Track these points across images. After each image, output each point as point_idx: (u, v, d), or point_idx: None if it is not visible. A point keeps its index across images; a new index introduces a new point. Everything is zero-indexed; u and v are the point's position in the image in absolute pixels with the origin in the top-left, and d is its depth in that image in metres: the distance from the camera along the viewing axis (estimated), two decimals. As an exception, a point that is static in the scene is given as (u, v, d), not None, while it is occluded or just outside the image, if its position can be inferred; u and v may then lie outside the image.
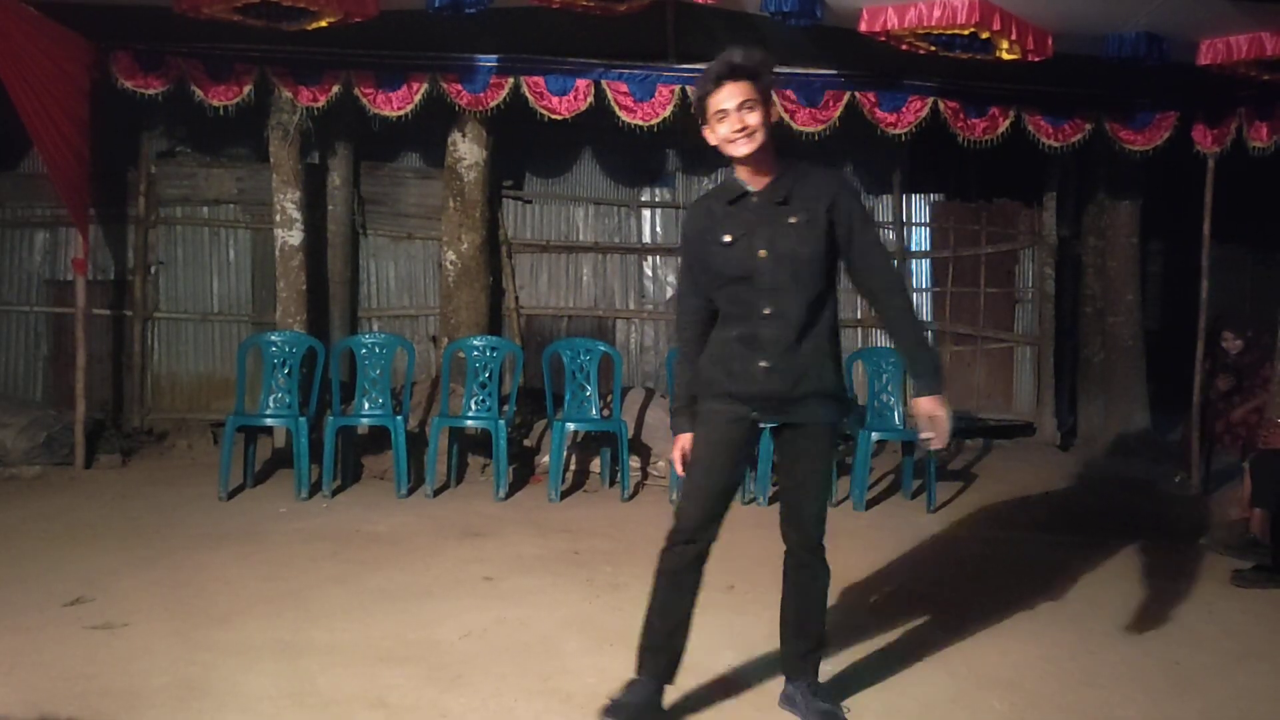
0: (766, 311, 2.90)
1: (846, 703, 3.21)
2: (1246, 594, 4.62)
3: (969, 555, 5.13)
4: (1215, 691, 3.46)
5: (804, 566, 3.10)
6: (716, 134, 2.90)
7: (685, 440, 3.09)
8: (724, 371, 2.97)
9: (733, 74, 2.85)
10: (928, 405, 2.91)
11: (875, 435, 6.37)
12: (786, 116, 6.68)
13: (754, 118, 2.84)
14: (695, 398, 3.06)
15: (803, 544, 3.08)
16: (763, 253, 2.89)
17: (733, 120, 2.84)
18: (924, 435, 2.92)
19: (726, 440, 2.99)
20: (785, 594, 3.15)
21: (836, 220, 2.92)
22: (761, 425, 3.03)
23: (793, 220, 2.90)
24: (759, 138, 2.84)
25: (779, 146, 2.93)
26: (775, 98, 3.03)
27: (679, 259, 3.10)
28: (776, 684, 3.23)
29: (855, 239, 2.95)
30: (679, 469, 3.09)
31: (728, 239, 2.93)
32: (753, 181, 2.95)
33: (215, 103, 6.51)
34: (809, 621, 3.11)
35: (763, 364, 2.91)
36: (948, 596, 4.44)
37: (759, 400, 2.95)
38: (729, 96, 2.84)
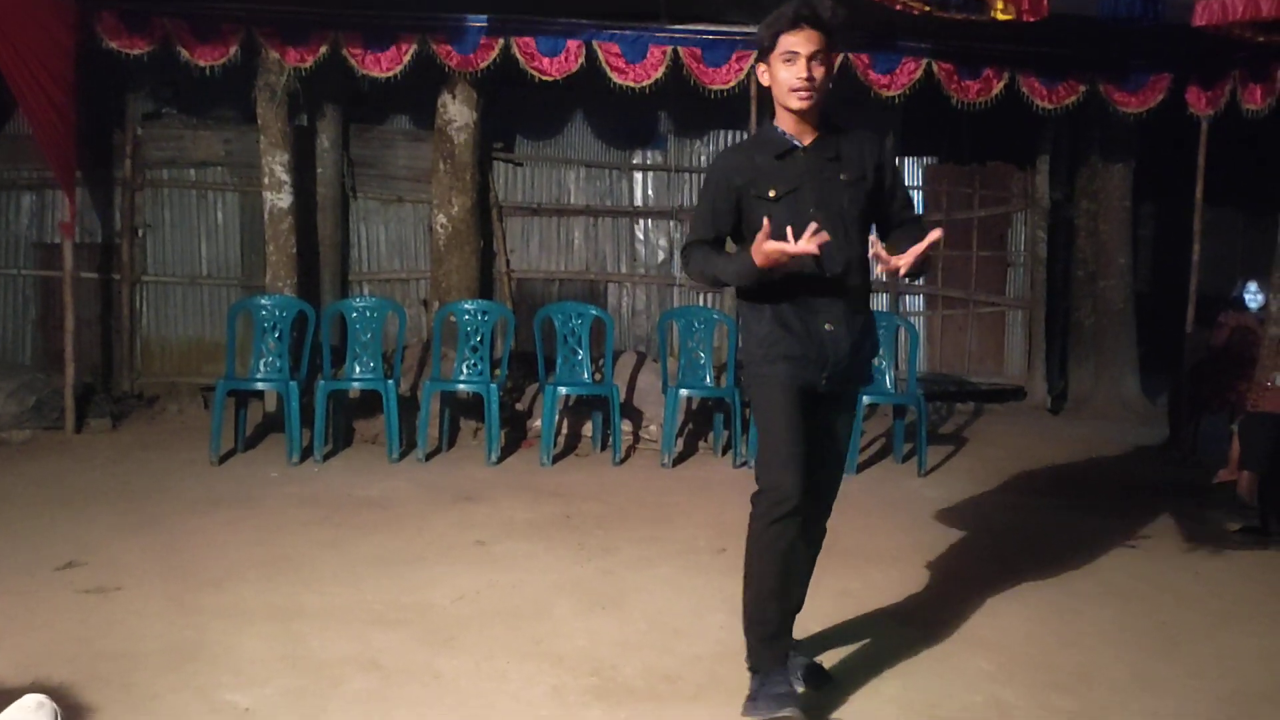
0: (824, 275, 2.77)
1: (832, 664, 3.24)
2: (1234, 556, 4.66)
3: (959, 518, 5.16)
4: (1201, 651, 3.50)
5: (814, 541, 3.01)
6: (777, 77, 2.73)
7: (766, 242, 2.64)
8: (786, 331, 2.80)
9: (815, 21, 2.69)
10: (932, 231, 2.69)
11: (867, 399, 6.38)
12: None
13: (821, 72, 2.71)
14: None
15: (822, 514, 2.99)
16: (813, 210, 2.73)
17: (800, 67, 2.69)
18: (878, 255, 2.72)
19: (798, 404, 2.80)
20: None
21: (884, 179, 2.86)
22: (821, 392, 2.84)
23: (844, 177, 2.79)
24: (818, 96, 2.73)
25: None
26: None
27: (698, 209, 2.95)
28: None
29: (898, 192, 2.93)
30: (781, 252, 2.61)
31: (773, 194, 2.77)
32: (800, 135, 2.80)
33: (201, 63, 6.42)
34: (802, 585, 3.07)
35: (827, 326, 2.79)
36: (936, 559, 4.47)
37: (830, 364, 2.81)
38: (805, 42, 2.68)
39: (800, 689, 2.91)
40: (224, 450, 6.08)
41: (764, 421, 2.84)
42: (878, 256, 2.71)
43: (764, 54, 2.77)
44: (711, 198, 2.88)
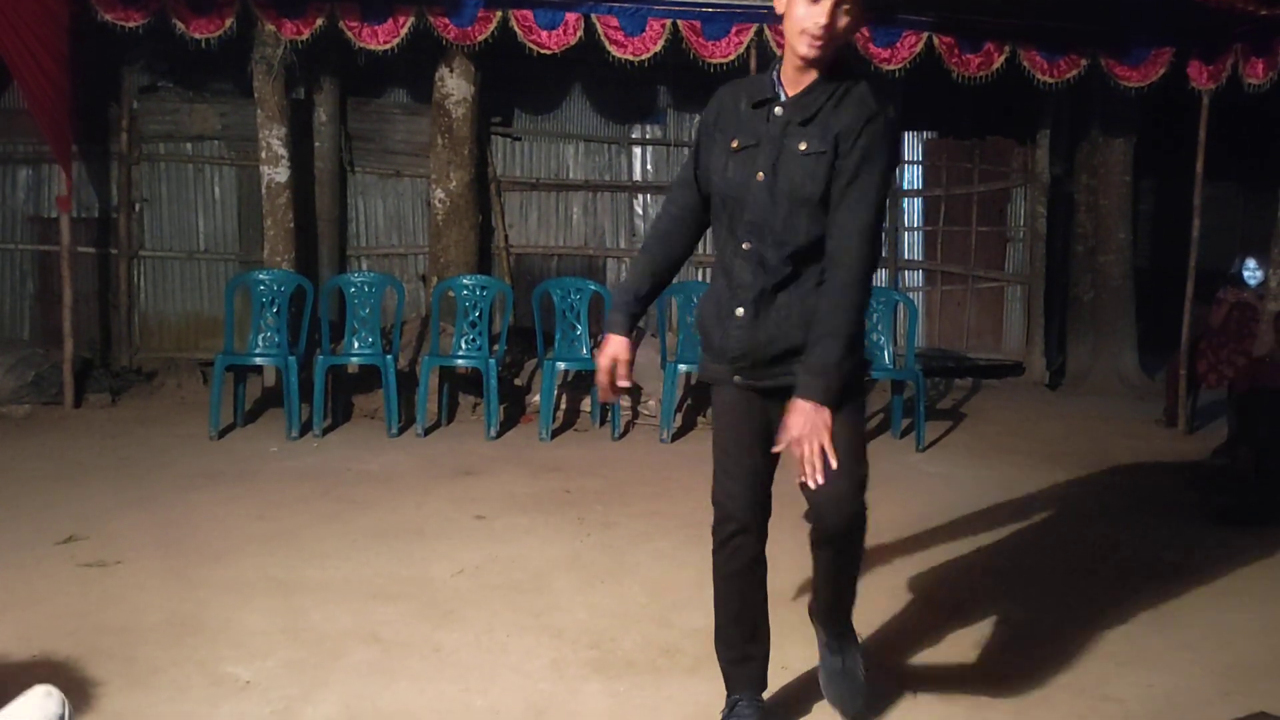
0: (745, 248, 2.40)
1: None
2: (1228, 531, 4.68)
3: (957, 493, 5.18)
4: (1195, 625, 3.52)
5: (830, 564, 2.59)
6: (793, 13, 2.29)
7: (613, 346, 2.51)
8: (703, 319, 2.54)
9: None
10: (799, 412, 2.25)
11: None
12: (778, 51, 6.57)
13: (843, 22, 2.28)
14: (637, 296, 2.55)
15: (830, 533, 2.50)
16: (761, 175, 2.37)
17: (824, 9, 2.25)
18: (775, 449, 2.33)
19: (739, 407, 2.50)
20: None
21: (841, 160, 2.32)
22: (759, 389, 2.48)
23: (803, 148, 2.34)
24: (831, 49, 2.30)
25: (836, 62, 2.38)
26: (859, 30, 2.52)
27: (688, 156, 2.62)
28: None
29: (850, 187, 2.32)
30: (601, 381, 2.52)
31: (735, 145, 2.42)
32: (789, 86, 2.39)
33: (197, 36, 6.37)
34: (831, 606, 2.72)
35: (738, 311, 2.42)
36: (934, 533, 4.48)
37: (734, 361, 2.46)
38: None
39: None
40: (223, 425, 6.09)
41: (716, 430, 2.58)
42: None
43: None
44: (696, 138, 2.59)
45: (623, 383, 2.54)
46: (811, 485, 2.24)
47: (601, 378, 2.54)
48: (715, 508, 2.56)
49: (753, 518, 2.52)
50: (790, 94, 2.39)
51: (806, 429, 2.24)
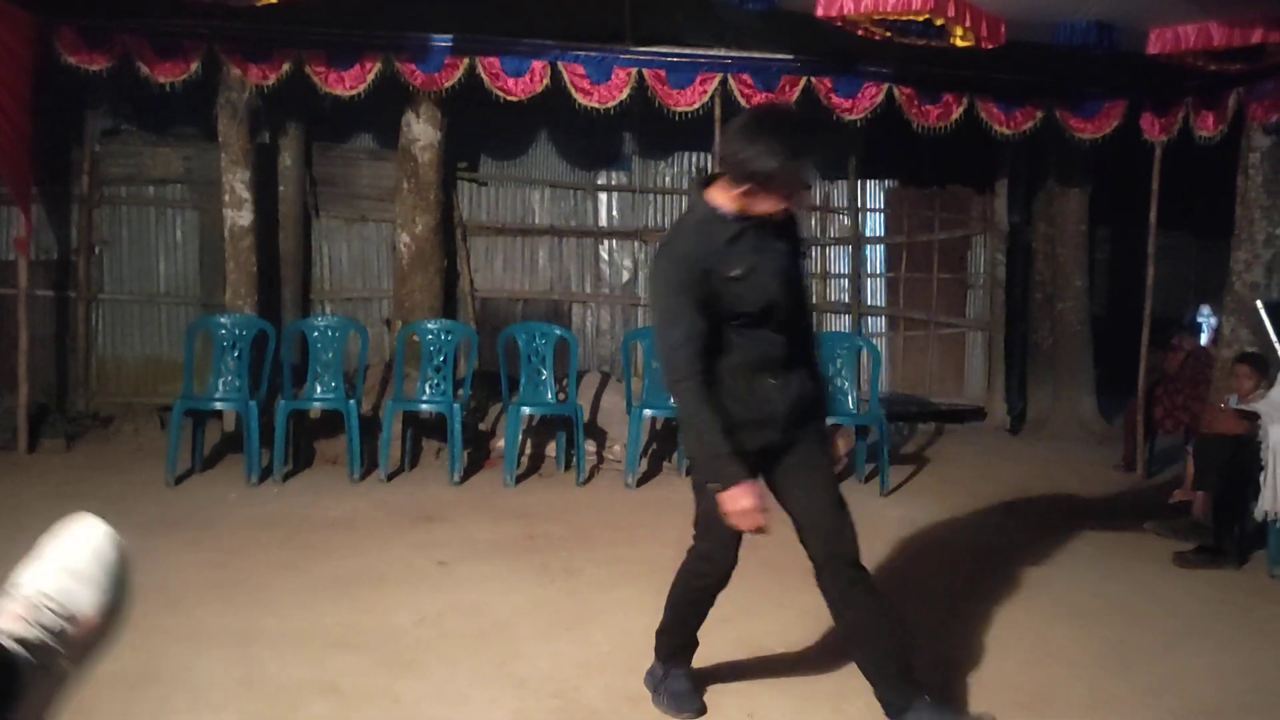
0: (777, 337, 2.85)
1: (797, 683, 3.23)
2: (1188, 575, 4.73)
3: (920, 538, 5.19)
4: (1158, 669, 3.54)
5: (855, 583, 2.89)
6: (770, 197, 2.73)
7: (752, 488, 2.72)
8: (736, 401, 2.82)
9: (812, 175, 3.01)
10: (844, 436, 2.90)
11: (829, 420, 6.40)
12: (743, 101, 6.68)
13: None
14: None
15: (848, 553, 2.89)
16: (772, 279, 2.81)
17: (796, 199, 2.81)
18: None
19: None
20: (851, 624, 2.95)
21: (799, 248, 3.00)
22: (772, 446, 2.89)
23: (783, 247, 2.88)
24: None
25: None
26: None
27: (668, 307, 2.80)
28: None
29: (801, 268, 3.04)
30: (754, 525, 2.71)
31: (736, 274, 2.76)
32: (743, 215, 2.79)
33: (162, 79, 6.36)
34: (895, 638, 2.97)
35: (772, 381, 2.86)
36: (898, 578, 4.49)
37: (780, 419, 2.86)
38: (808, 182, 2.92)
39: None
40: (181, 471, 5.99)
41: (711, 501, 2.79)
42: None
43: (767, 181, 2.69)
44: (684, 288, 2.75)
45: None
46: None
47: (755, 524, 2.72)
48: (701, 562, 2.97)
49: (733, 568, 2.95)
50: (749, 220, 2.80)
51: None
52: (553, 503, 5.76)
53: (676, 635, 3.11)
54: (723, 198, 2.79)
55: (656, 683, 3.11)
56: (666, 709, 3.06)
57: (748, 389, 2.85)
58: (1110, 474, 7.11)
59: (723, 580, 2.98)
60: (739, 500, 2.67)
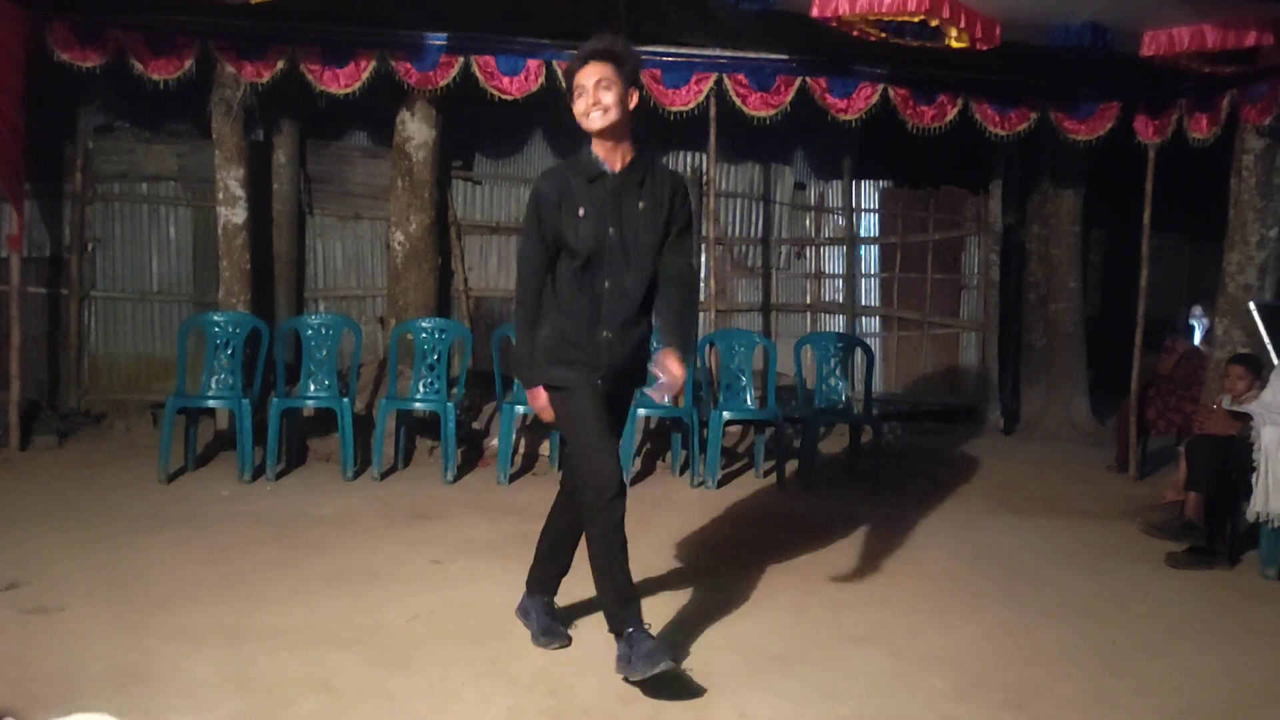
0: (607, 286, 3.16)
1: (789, 681, 3.24)
2: (1180, 575, 4.74)
3: (913, 537, 5.20)
4: (1149, 670, 3.55)
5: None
6: (575, 108, 3.15)
7: (541, 393, 3.25)
8: (565, 340, 3.18)
9: (595, 55, 3.13)
10: (673, 358, 3.11)
11: (824, 419, 6.43)
12: (738, 100, 6.70)
13: (609, 96, 3.10)
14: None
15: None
16: (611, 230, 3.14)
17: (589, 96, 3.10)
18: (658, 385, 3.11)
19: (591, 396, 3.19)
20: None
21: (674, 218, 3.23)
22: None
23: (641, 205, 3.17)
24: (612, 115, 3.10)
25: (634, 135, 3.19)
26: (638, 86, 3.26)
27: (526, 231, 3.28)
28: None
29: (680, 236, 3.27)
30: (548, 417, 3.28)
31: (581, 213, 3.13)
32: (610, 161, 3.18)
33: (155, 76, 6.35)
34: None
35: (605, 334, 3.18)
36: (891, 577, 4.49)
37: (604, 369, 3.19)
38: (589, 75, 3.12)
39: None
40: (173, 468, 5.97)
41: (569, 415, 3.22)
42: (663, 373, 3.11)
43: (568, 95, 3.18)
44: (537, 215, 3.19)
45: None
46: (665, 402, 3.32)
47: (548, 417, 3.35)
48: (594, 478, 3.14)
49: (622, 480, 3.17)
50: (614, 169, 3.18)
51: (680, 373, 3.11)
52: (546, 501, 5.63)
53: (616, 589, 3.19)
54: (594, 142, 3.19)
55: (626, 654, 3.13)
56: (644, 668, 3.06)
57: (576, 332, 3.18)
58: (1103, 474, 7.13)
59: (623, 490, 3.17)
60: (535, 399, 3.27)
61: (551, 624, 3.54)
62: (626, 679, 3.09)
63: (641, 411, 6.27)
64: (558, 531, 3.55)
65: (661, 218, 3.21)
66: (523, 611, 3.59)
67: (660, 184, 3.23)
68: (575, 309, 3.19)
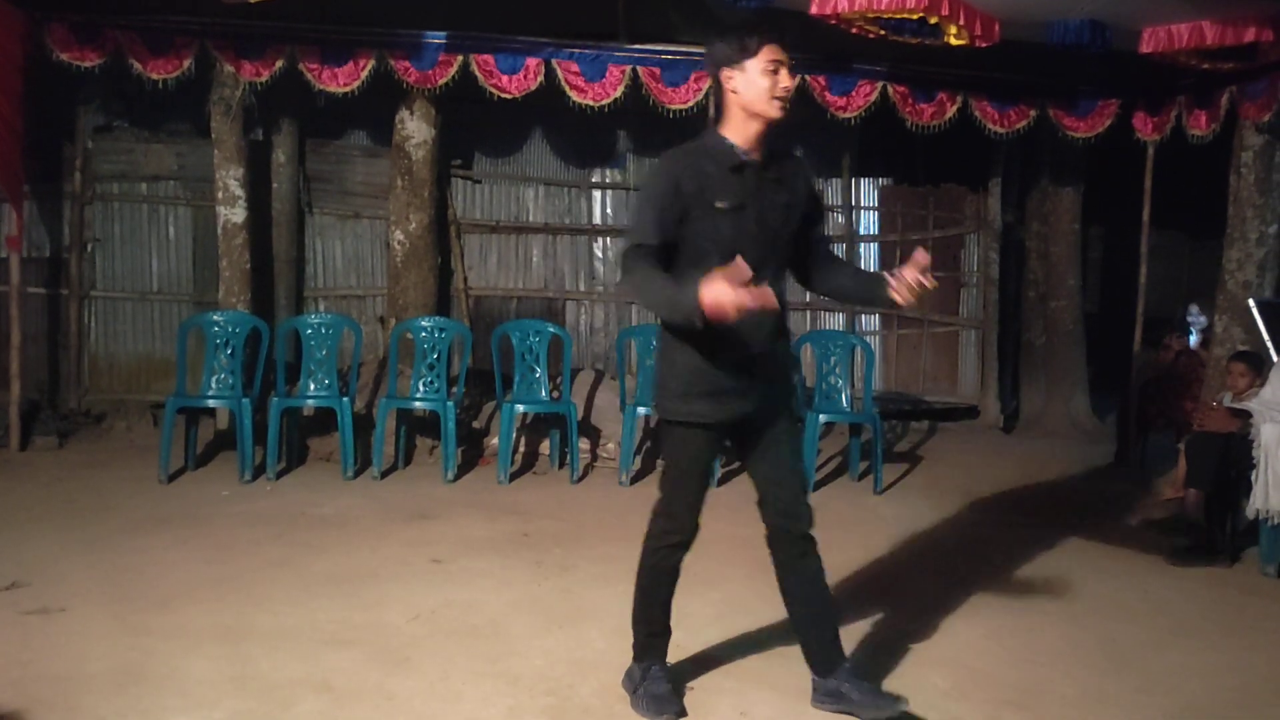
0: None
1: (789, 681, 3.24)
2: (1180, 573, 4.74)
3: (914, 535, 5.20)
4: (1150, 667, 3.55)
5: (805, 554, 3.01)
6: (756, 84, 2.72)
7: (713, 282, 2.50)
8: (707, 366, 2.79)
9: (783, 37, 2.75)
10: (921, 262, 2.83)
11: (823, 417, 6.43)
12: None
13: (792, 84, 2.78)
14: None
15: (803, 526, 2.98)
16: (753, 227, 2.77)
17: (785, 76, 2.74)
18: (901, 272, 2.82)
19: (716, 440, 2.94)
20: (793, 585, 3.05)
21: (814, 212, 2.99)
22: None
23: (785, 199, 2.85)
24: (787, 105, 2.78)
25: None
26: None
27: (640, 211, 2.83)
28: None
29: (819, 221, 3.04)
30: (739, 302, 2.45)
31: (721, 205, 2.74)
32: (750, 151, 2.81)
33: (154, 76, 6.34)
34: (823, 614, 3.09)
35: (752, 348, 2.80)
36: (892, 576, 4.49)
37: (759, 388, 2.86)
38: (783, 53, 2.75)
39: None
40: (174, 468, 5.97)
41: (680, 461, 2.93)
42: (913, 271, 2.80)
43: (734, 60, 2.74)
44: (659, 200, 2.76)
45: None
46: (907, 301, 2.85)
47: (728, 297, 2.46)
48: (665, 520, 2.95)
49: (694, 535, 2.97)
50: (755, 158, 2.80)
51: (923, 259, 2.83)
52: (546, 500, 5.75)
53: (645, 621, 3.04)
54: (734, 127, 2.81)
55: (635, 684, 3.03)
56: (646, 712, 2.96)
57: (729, 353, 2.77)
58: (1102, 471, 7.13)
59: (685, 544, 2.95)
60: (713, 295, 2.46)
61: (667, 692, 3.05)
62: (630, 696, 3.03)
63: (641, 410, 6.23)
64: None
65: (799, 212, 2.89)
66: (629, 679, 3.12)
67: (793, 172, 2.91)
68: (697, 336, 2.69)
